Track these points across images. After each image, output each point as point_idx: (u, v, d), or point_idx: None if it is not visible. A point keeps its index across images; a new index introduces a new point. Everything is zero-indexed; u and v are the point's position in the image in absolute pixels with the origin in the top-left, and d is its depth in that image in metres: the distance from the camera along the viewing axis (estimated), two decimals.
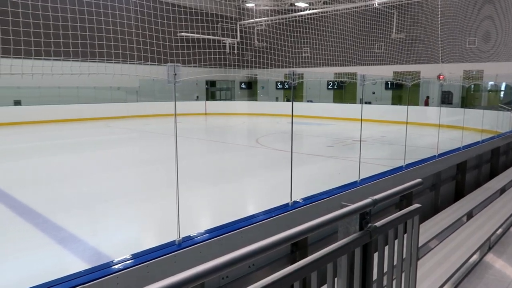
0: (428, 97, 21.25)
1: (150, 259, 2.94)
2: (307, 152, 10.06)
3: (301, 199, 4.58)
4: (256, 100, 27.44)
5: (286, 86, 26.30)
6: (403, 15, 22.47)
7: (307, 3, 27.42)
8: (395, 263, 2.27)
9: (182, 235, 3.32)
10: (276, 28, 27.49)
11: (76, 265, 3.86)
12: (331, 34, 26.63)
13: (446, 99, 20.49)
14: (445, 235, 5.20)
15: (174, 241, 3.24)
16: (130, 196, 6.43)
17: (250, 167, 8.99)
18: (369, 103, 22.20)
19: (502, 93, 20.14)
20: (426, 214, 6.81)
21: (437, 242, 4.97)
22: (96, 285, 2.67)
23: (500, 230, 5.55)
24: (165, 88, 23.22)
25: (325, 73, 25.84)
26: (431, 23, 20.36)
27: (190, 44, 25.03)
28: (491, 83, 20.04)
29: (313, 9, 27.15)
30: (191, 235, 3.42)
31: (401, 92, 22.27)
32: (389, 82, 22.04)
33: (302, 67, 27.61)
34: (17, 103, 18.92)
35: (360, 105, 20.86)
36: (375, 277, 2.10)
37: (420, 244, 3.63)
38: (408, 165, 6.67)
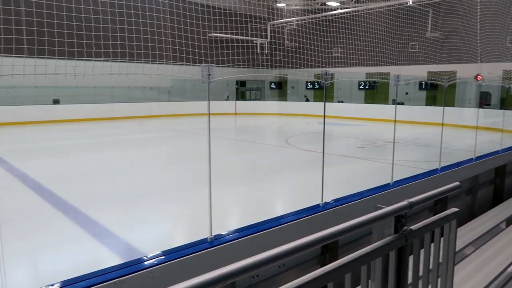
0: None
1: (183, 256, 3.00)
2: (337, 153, 9.94)
3: (332, 200, 4.54)
4: (286, 100, 27.36)
5: (317, 86, 26.07)
6: (439, 13, 21.81)
7: (338, 2, 27.09)
8: (430, 267, 2.21)
9: (214, 233, 3.36)
10: (306, 28, 27.32)
11: (111, 259, 3.98)
12: (363, 33, 26.19)
13: (484, 100, 19.71)
14: (482, 241, 5.01)
15: (206, 239, 3.29)
16: (164, 194, 6.57)
17: (279, 168, 8.98)
18: (402, 103, 21.67)
19: None
20: (462, 219, 6.60)
21: (473, 248, 4.80)
22: (131, 279, 2.74)
23: None
24: (196, 88, 23.56)
25: (357, 73, 25.46)
26: (469, 21, 19.64)
27: (220, 44, 25.27)
28: None
29: (344, 8, 26.79)
30: (222, 234, 3.46)
31: (436, 92, 21.60)
32: (423, 82, 21.43)
33: (333, 67, 27.29)
34: (56, 102, 19.71)
35: (392, 105, 20.34)
36: (410, 280, 2.06)
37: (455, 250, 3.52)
38: (444, 168, 6.48)
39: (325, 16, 27.71)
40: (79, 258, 4.07)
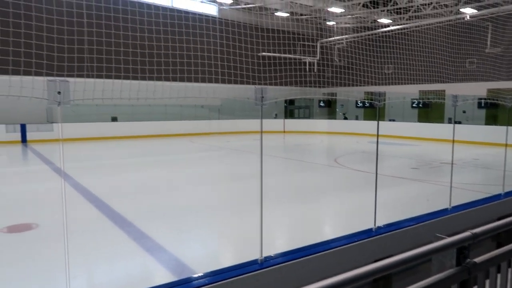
0: None
1: (232, 277, 3.01)
2: (390, 174, 9.60)
3: (385, 224, 4.36)
4: (335, 119, 27.01)
5: (367, 105, 25.54)
6: (497, 27, 20.72)
7: (390, 19, 26.58)
8: None
9: (263, 254, 3.35)
10: (356, 46, 27.03)
11: (162, 274, 4.08)
12: (416, 49, 25.43)
13: None
14: None
15: (257, 260, 3.28)
16: (214, 211, 6.67)
17: (328, 188, 8.82)
18: (459, 122, 20.61)
19: None
20: None
21: None
22: None
23: None
24: (245, 106, 23.96)
25: (410, 91, 24.67)
26: None
27: (269, 63, 25.61)
28: None
29: (397, 25, 26.22)
30: (272, 256, 3.44)
31: (496, 111, 20.35)
32: (482, 101, 20.28)
33: (385, 84, 26.67)
34: (114, 119, 20.85)
35: (448, 124, 19.43)
36: None
37: None
38: (509, 193, 6.03)
39: (376, 33, 27.28)
40: (133, 272, 4.21)
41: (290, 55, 27.31)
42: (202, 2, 25.98)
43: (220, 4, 26.32)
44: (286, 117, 26.57)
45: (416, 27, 25.22)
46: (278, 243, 5.10)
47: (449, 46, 22.98)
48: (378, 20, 26.43)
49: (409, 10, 24.91)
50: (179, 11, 25.09)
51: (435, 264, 1.94)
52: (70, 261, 3.59)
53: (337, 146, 18.49)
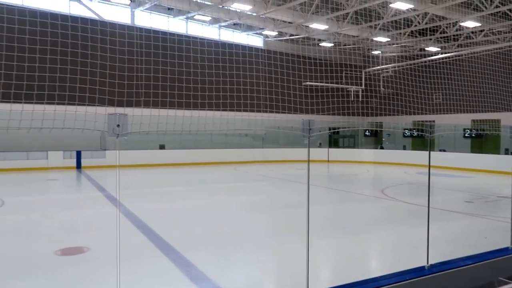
0: None
1: None
2: (442, 208, 9.11)
3: (439, 262, 4.11)
4: (381, 148, 26.33)
5: (415, 134, 24.74)
6: None
7: (438, 47, 25.97)
8: None
9: (302, 286, 3.26)
10: (403, 74, 26.55)
11: None
12: (467, 78, 24.54)
13: None
14: None
15: None
16: (258, 241, 6.63)
17: (375, 220, 8.50)
18: None
19: None
20: None
21: None
22: None
23: None
24: (289, 135, 24.01)
25: (461, 121, 23.68)
26: None
27: (314, 92, 25.68)
28: None
29: (446, 52, 25.55)
30: None
31: None
32: None
33: (433, 113, 25.80)
34: (162, 147, 21.61)
35: (505, 156, 18.32)
36: None
37: None
38: None
39: (424, 62, 26.69)
40: None
41: (334, 85, 27.28)
42: (248, 34, 26.81)
43: (266, 36, 27.02)
44: (330, 146, 26.26)
45: (466, 54, 24.43)
46: (323, 277, 4.94)
47: (503, 74, 21.98)
48: (426, 49, 25.90)
49: (459, 38, 24.25)
50: (226, 43, 26.05)
51: None
52: (118, 286, 3.68)
53: (384, 176, 17.92)
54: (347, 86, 28.90)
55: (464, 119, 23.78)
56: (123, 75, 17.50)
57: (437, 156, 20.25)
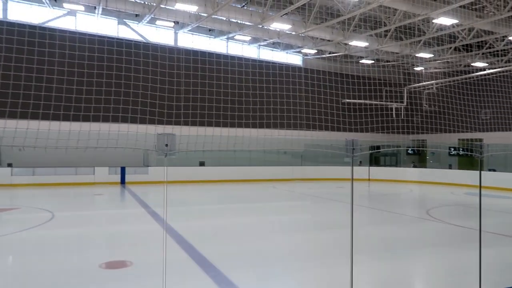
0: None
1: None
2: (494, 231, 8.60)
3: None
4: (425, 167, 25.37)
5: (461, 152, 23.69)
6: None
7: (486, 62, 24.95)
8: None
9: None
10: (448, 90, 25.65)
11: None
12: None
13: None
14: None
15: None
16: (296, 261, 6.53)
17: (421, 243, 8.14)
18: None
19: None
20: None
21: None
22: None
23: None
24: (327, 153, 23.72)
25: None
26: None
27: (352, 109, 25.35)
28: None
29: (494, 68, 24.49)
30: None
31: None
32: None
33: (481, 131, 24.64)
34: (202, 164, 22.00)
35: None
36: None
37: None
38: None
39: (471, 77, 25.70)
40: None
41: (375, 101, 26.79)
42: (287, 53, 27.05)
43: (305, 54, 27.14)
44: (371, 164, 25.64)
45: None
46: None
47: None
48: (472, 64, 24.96)
49: (507, 53, 23.21)
50: (265, 62, 26.37)
51: None
52: None
53: (429, 197, 17.20)
54: (388, 103, 28.30)
55: None
56: (165, 95, 18.13)
57: (486, 176, 19.21)
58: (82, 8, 19.66)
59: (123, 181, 19.66)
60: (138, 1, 18.21)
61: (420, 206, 14.72)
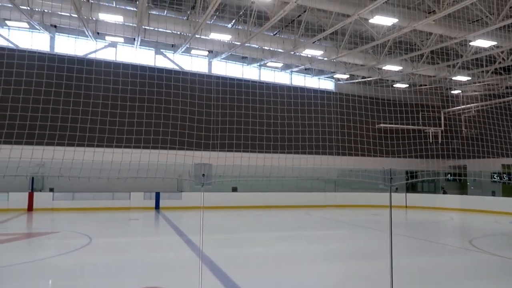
0: None
1: None
2: None
3: None
4: (466, 194, 24.27)
5: (505, 178, 22.55)
6: None
7: None
8: None
9: None
10: (488, 114, 24.71)
11: None
12: None
13: None
14: None
15: None
16: None
17: (463, 275, 7.70)
18: None
19: None
20: None
21: None
22: None
23: None
24: (361, 180, 23.20)
25: None
26: None
27: (387, 134, 24.78)
28: None
29: None
30: None
31: None
32: None
33: None
34: (234, 189, 22.06)
35: None
36: None
37: None
38: None
39: None
40: None
41: (410, 126, 26.18)
42: (319, 78, 27.16)
43: (337, 79, 27.13)
44: (408, 190, 24.81)
45: None
46: None
47: None
48: None
49: None
50: (297, 87, 26.53)
51: None
52: None
53: (472, 225, 16.36)
54: (424, 128, 27.57)
55: None
56: (201, 124, 18.54)
57: None
58: (122, 40, 20.72)
59: (157, 206, 19.99)
60: (175, 32, 18.98)
61: (462, 236, 14.01)
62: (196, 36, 18.40)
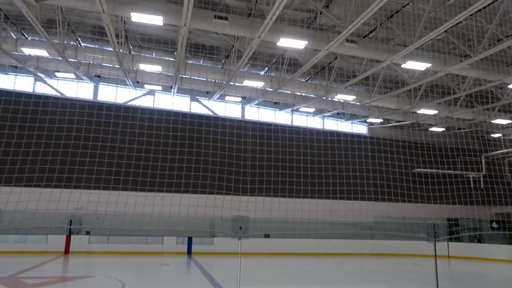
0: None
1: None
2: None
3: None
4: (478, 242, 22.73)
5: None
6: None
7: None
8: None
9: None
10: None
11: None
12: None
13: None
14: None
15: None
16: None
17: None
18: None
19: None
20: None
21: None
22: None
23: None
24: (399, 226, 22.25)
25: None
26: None
27: (424, 179, 23.94)
28: None
29: None
30: None
31: None
32: None
33: None
34: (267, 236, 21.61)
35: None
36: None
37: None
38: None
39: None
40: None
41: (449, 171, 25.24)
42: (352, 122, 27.05)
43: (371, 123, 26.91)
44: (450, 239, 23.47)
45: None
46: None
47: None
48: None
49: None
50: (330, 132, 26.45)
51: None
52: None
53: None
54: (464, 172, 26.49)
55: None
56: (232, 168, 18.70)
57: None
58: (160, 88, 21.69)
59: (189, 251, 19.83)
60: (210, 80, 19.70)
61: None
62: (230, 83, 19.00)
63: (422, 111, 21.75)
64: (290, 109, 24.68)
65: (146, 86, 21.72)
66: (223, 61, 19.58)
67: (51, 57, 17.60)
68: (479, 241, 23.30)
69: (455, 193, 22.68)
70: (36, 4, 11.33)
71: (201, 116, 23.59)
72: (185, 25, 12.51)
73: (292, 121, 25.96)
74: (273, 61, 19.32)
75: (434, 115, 22.44)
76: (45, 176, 15.98)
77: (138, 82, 20.91)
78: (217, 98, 23.09)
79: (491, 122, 23.39)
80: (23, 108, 17.81)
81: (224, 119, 23.93)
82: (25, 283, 10.88)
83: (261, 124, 23.16)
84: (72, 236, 19.07)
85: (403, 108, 21.46)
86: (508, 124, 23.29)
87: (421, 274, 14.57)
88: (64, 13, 14.90)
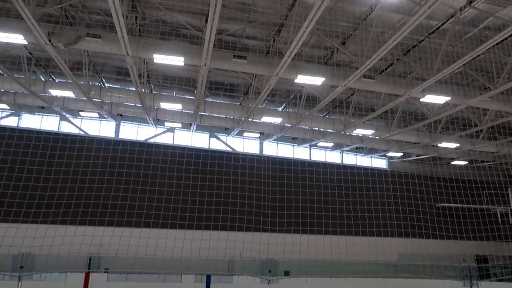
0: None
1: None
2: None
3: None
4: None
5: None
6: None
7: None
8: None
9: None
10: None
11: None
12: None
13: None
14: None
15: None
16: None
17: None
18: None
19: None
20: None
21: None
22: None
23: None
24: (425, 263, 21.37)
25: None
26: None
27: (448, 213, 23.16)
28: None
29: None
30: None
31: None
32: None
33: None
34: (287, 273, 21.02)
35: None
36: None
37: None
38: None
39: None
40: None
41: (474, 205, 24.42)
42: (371, 157, 26.76)
43: (390, 157, 26.57)
44: (480, 278, 22.33)
45: None
46: None
47: None
48: None
49: None
50: (349, 166, 26.17)
51: None
52: None
53: None
54: (491, 207, 25.59)
55: None
56: (252, 202, 18.59)
57: None
58: (180, 125, 22.10)
59: None
60: (228, 116, 19.99)
61: None
62: (249, 119, 19.22)
63: (443, 144, 21.40)
64: (308, 144, 24.67)
65: (166, 123, 22.16)
66: (241, 98, 19.92)
67: (76, 98, 18.27)
68: (499, 280, 22.02)
69: (481, 227, 21.85)
70: (65, 49, 11.91)
71: (220, 152, 23.78)
72: (205, 65, 12.88)
73: (310, 156, 25.87)
74: (291, 97, 19.55)
75: (456, 148, 22.04)
76: (71, 211, 16.28)
77: (158, 120, 21.39)
78: (236, 134, 23.32)
79: None
80: (52, 145, 18.44)
81: (243, 155, 24.04)
82: None
83: (280, 159, 23.18)
84: (91, 274, 18.96)
85: (424, 142, 21.18)
86: None
87: None
88: (90, 56, 15.60)
